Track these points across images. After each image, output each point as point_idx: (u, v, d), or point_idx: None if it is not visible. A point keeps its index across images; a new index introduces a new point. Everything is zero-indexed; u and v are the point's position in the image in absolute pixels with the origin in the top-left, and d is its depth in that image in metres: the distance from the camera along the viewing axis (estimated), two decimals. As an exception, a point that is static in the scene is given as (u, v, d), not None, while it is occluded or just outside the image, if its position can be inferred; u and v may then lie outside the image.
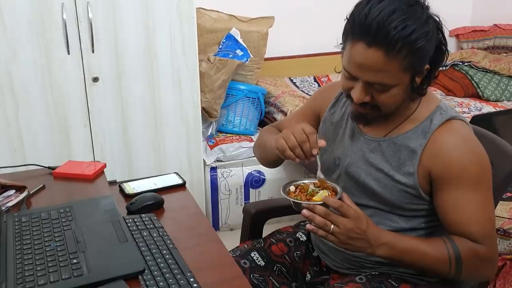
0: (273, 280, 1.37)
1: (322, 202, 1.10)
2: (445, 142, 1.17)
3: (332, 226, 1.08)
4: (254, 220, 1.57)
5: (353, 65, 1.12)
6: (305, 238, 1.47)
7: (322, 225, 1.08)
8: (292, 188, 1.21)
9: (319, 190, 1.18)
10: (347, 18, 1.14)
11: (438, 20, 1.14)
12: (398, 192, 1.22)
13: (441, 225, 1.21)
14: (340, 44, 1.17)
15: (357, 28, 1.09)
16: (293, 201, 1.14)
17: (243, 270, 1.34)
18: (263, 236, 1.54)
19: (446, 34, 1.17)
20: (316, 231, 1.09)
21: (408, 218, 1.25)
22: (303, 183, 1.22)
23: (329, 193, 1.16)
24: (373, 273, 1.28)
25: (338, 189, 1.17)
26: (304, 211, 1.09)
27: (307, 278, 1.40)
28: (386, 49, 1.06)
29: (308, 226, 1.11)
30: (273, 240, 1.46)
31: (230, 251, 1.41)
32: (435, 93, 3.59)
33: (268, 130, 1.53)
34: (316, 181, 1.22)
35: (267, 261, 1.40)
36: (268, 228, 1.60)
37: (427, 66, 1.15)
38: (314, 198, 1.14)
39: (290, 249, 1.44)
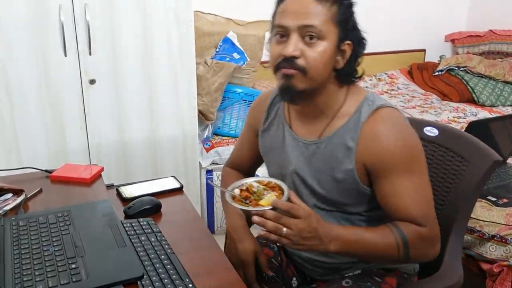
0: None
1: (271, 207, 1.06)
2: (375, 132, 1.18)
3: (284, 229, 1.06)
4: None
5: (287, 14, 1.16)
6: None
7: (274, 229, 1.05)
8: (237, 191, 1.15)
9: (265, 189, 1.14)
10: None
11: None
12: (343, 192, 1.23)
13: None
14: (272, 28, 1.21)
15: None
16: (242, 209, 1.10)
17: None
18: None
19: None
20: (268, 235, 1.07)
21: (363, 216, 1.27)
22: (246, 183, 1.17)
23: (276, 193, 1.12)
24: (356, 273, 1.30)
25: (284, 187, 1.13)
26: (255, 218, 1.06)
27: (294, 284, 1.40)
28: None
29: (260, 232, 1.08)
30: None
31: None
32: (430, 97, 3.61)
33: (228, 174, 1.55)
34: (260, 179, 1.18)
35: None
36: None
37: (349, 42, 1.18)
38: (261, 202, 1.10)
39: (275, 253, 1.42)
